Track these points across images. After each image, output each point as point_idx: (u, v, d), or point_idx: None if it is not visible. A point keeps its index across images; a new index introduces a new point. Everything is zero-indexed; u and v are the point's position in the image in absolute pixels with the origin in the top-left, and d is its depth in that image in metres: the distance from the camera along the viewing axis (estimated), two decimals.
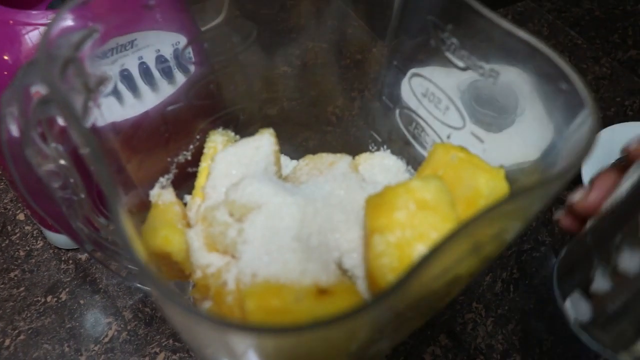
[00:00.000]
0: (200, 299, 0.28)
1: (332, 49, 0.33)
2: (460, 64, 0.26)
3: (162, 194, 0.31)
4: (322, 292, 0.22)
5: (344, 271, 0.25)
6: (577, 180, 0.56)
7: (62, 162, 0.30)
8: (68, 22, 0.25)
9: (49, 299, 0.46)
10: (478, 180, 0.24)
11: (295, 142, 0.32)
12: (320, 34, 0.26)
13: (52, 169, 0.30)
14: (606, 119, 0.61)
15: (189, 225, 0.30)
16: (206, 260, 0.27)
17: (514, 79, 0.25)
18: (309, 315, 0.21)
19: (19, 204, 0.51)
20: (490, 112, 0.28)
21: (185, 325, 0.19)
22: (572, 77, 0.21)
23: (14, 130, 0.27)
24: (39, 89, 0.25)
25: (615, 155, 0.59)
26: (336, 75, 0.35)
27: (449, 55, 0.26)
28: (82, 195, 0.33)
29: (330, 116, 0.37)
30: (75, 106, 0.22)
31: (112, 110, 0.33)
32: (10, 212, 0.51)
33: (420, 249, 0.21)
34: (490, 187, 0.24)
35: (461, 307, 0.48)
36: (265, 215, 0.25)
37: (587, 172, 0.55)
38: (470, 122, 0.28)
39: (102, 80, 0.26)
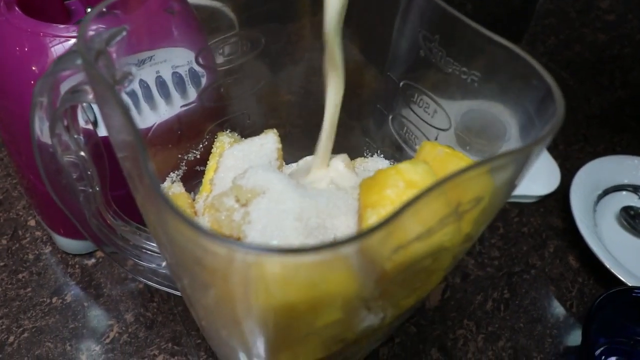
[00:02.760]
0: None
1: None
2: (447, 69, 0.29)
3: (172, 187, 0.33)
4: None
5: None
6: (566, 208, 0.59)
7: (82, 153, 0.33)
8: (99, 21, 0.28)
9: (54, 300, 0.47)
10: None
11: (298, 147, 0.35)
12: (319, 46, 0.29)
13: (72, 159, 0.33)
14: (596, 155, 0.64)
15: (196, 214, 0.33)
16: None
17: (502, 112, 0.28)
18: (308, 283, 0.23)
19: (31, 211, 0.54)
20: (481, 140, 0.30)
21: (193, 253, 0.21)
22: (542, 73, 0.24)
23: (43, 121, 0.30)
24: (69, 80, 0.28)
25: (601, 186, 0.61)
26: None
27: (436, 62, 0.29)
28: (97, 188, 0.35)
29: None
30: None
31: None
32: (22, 218, 0.53)
33: None
34: None
35: (453, 323, 0.50)
36: (269, 199, 0.28)
37: (575, 200, 0.58)
38: (474, 143, 0.31)
39: (127, 75, 0.29)
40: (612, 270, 0.51)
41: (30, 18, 0.40)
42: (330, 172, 0.31)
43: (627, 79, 0.74)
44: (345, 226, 0.28)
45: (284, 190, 0.28)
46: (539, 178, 0.62)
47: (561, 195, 0.61)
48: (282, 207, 0.27)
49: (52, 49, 0.40)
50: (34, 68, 0.40)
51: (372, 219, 0.24)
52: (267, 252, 0.17)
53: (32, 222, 0.53)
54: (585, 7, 0.76)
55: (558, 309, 0.52)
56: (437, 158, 0.28)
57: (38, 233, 0.52)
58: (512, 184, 0.25)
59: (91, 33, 0.27)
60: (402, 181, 0.24)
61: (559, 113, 0.23)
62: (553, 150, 0.68)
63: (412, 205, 0.19)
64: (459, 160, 0.28)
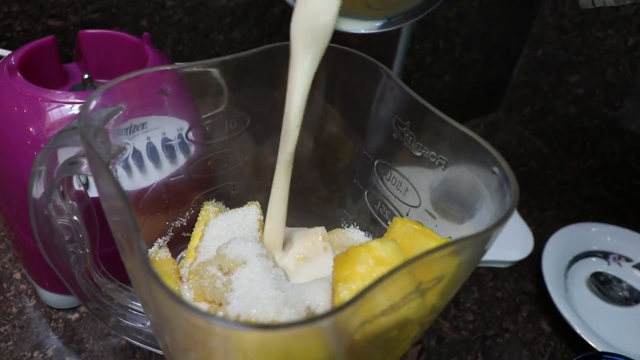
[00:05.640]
0: None
1: (314, 143, 0.39)
2: (417, 153, 0.32)
3: (159, 252, 0.35)
4: None
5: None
6: (539, 273, 0.61)
7: (75, 218, 0.35)
8: (99, 100, 0.30)
9: (35, 354, 0.48)
10: (429, 246, 0.29)
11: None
12: (303, 125, 0.32)
13: (65, 223, 0.35)
14: (568, 221, 0.67)
15: (181, 280, 0.34)
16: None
17: (475, 180, 0.31)
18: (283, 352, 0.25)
19: (17, 264, 0.55)
20: (456, 207, 0.33)
21: (177, 322, 0.23)
22: (500, 161, 0.26)
23: (40, 187, 0.32)
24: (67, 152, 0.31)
25: (573, 252, 0.64)
26: (318, 167, 0.41)
27: (407, 145, 0.32)
28: (87, 250, 0.37)
29: (313, 206, 0.42)
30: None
31: (122, 182, 0.39)
32: (8, 271, 0.54)
33: None
34: None
35: None
36: (250, 270, 0.30)
37: (547, 266, 0.60)
38: (437, 214, 0.33)
39: (121, 150, 0.31)
40: (583, 336, 0.53)
41: (30, 83, 0.42)
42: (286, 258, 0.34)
43: (596, 149, 0.78)
44: (319, 295, 0.30)
45: (263, 264, 0.30)
46: (513, 244, 0.65)
47: (535, 260, 0.64)
48: (261, 279, 0.29)
49: (49, 112, 0.42)
50: (31, 129, 0.42)
51: (344, 293, 0.26)
52: (242, 327, 0.19)
53: (17, 275, 0.54)
54: (556, 80, 0.80)
55: None
56: (406, 235, 0.30)
57: (23, 286, 0.53)
58: (474, 262, 0.27)
59: (91, 111, 0.29)
60: (371, 258, 0.26)
61: (514, 198, 0.25)
62: (527, 216, 0.71)
63: (382, 282, 0.21)
64: (427, 237, 0.30)
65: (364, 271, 0.26)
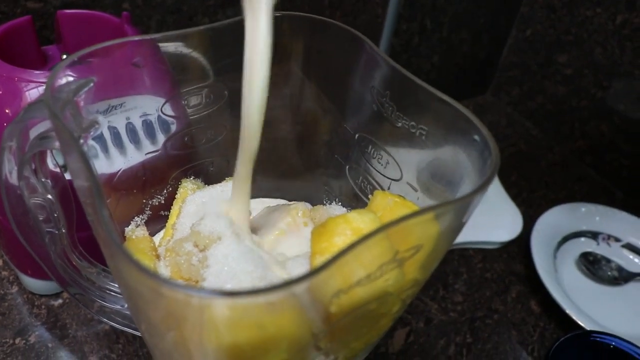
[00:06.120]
0: None
1: (292, 118, 0.38)
2: (397, 124, 0.31)
3: (136, 231, 0.34)
4: None
5: None
6: (528, 254, 0.60)
7: (49, 196, 0.34)
8: (68, 71, 0.29)
9: (17, 340, 0.47)
10: None
11: (259, 189, 0.36)
12: (281, 98, 0.31)
13: (39, 202, 0.34)
14: (557, 202, 0.67)
15: (158, 258, 0.34)
16: None
17: (461, 160, 0.30)
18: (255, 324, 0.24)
19: None
20: (441, 186, 0.32)
21: (151, 302, 0.22)
22: (480, 127, 0.26)
23: (11, 163, 0.31)
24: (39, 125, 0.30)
25: (561, 233, 0.64)
26: (296, 143, 0.40)
27: (387, 116, 0.31)
28: (63, 230, 0.36)
29: (293, 183, 0.42)
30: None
31: (99, 163, 0.38)
32: None
33: None
34: None
35: None
36: (225, 245, 0.29)
37: (536, 247, 0.60)
38: (423, 193, 0.33)
39: (93, 124, 0.30)
40: (572, 315, 0.53)
41: (6, 63, 0.41)
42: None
43: (585, 130, 0.77)
44: (297, 269, 0.29)
45: (238, 239, 0.29)
46: (502, 224, 0.64)
47: (524, 241, 0.63)
48: (237, 254, 0.28)
49: (27, 93, 0.41)
50: (7, 111, 0.41)
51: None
52: (209, 295, 0.19)
53: None
54: (545, 61, 0.80)
55: (520, 353, 0.53)
56: (387, 207, 0.30)
57: (5, 273, 0.52)
58: (455, 230, 0.27)
59: (60, 84, 0.28)
60: (349, 230, 0.26)
61: (494, 163, 0.25)
62: (517, 197, 0.70)
63: (353, 248, 0.21)
64: (407, 209, 0.29)
65: (341, 243, 0.26)
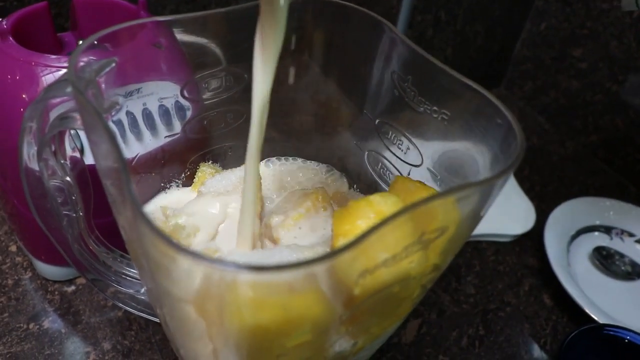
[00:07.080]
0: None
1: (311, 105, 0.38)
2: (419, 109, 0.31)
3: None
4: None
5: None
6: (541, 248, 0.60)
7: (68, 179, 0.34)
8: (90, 51, 0.29)
9: (31, 326, 0.47)
10: None
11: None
12: (301, 85, 0.31)
13: (58, 184, 0.34)
14: (570, 196, 0.66)
15: None
16: None
17: (473, 150, 0.30)
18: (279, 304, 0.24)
19: (13, 237, 0.54)
20: (456, 179, 0.32)
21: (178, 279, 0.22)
22: (504, 111, 0.25)
23: (31, 145, 0.31)
24: (58, 107, 0.30)
25: (575, 227, 0.63)
26: (316, 131, 0.40)
27: (408, 101, 0.31)
28: (81, 213, 0.36)
29: (311, 170, 0.42)
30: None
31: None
32: (4, 244, 0.54)
33: None
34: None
35: (428, 359, 0.50)
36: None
37: (549, 240, 0.59)
38: (443, 179, 0.33)
39: (114, 105, 0.30)
40: (585, 309, 0.53)
41: (23, 48, 0.41)
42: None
43: (598, 124, 0.77)
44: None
45: None
46: (515, 218, 0.64)
47: (536, 235, 0.63)
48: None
49: (43, 78, 0.41)
50: (24, 96, 0.41)
51: None
52: (234, 268, 0.18)
53: (13, 248, 0.53)
54: (559, 54, 0.79)
55: (532, 346, 0.53)
56: (408, 192, 0.29)
57: (19, 259, 0.53)
58: (477, 215, 0.26)
59: (82, 64, 0.28)
60: (372, 212, 0.26)
61: (520, 146, 0.24)
62: (529, 191, 0.70)
63: (379, 229, 0.20)
64: (429, 193, 0.29)
65: (365, 225, 0.25)
